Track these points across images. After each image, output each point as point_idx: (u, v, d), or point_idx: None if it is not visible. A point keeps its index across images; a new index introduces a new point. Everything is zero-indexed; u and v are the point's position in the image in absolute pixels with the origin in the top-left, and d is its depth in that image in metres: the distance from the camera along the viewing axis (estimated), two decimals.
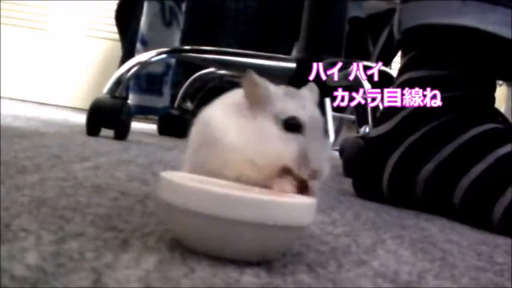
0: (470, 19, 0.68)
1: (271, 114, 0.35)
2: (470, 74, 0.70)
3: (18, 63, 2.87)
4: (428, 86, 0.70)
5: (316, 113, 0.36)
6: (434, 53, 0.71)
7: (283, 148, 0.34)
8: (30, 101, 2.69)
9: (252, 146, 0.34)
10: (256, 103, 0.35)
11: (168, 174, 0.32)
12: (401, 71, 0.75)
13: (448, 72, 0.70)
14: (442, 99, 0.69)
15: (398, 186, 0.70)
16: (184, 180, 0.31)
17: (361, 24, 1.94)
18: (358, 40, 1.93)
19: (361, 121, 1.11)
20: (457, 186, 0.64)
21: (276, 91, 0.36)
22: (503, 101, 2.42)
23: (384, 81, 1.00)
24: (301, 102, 0.36)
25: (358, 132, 1.12)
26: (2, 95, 2.35)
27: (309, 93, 0.38)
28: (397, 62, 2.08)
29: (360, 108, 1.13)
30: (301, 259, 0.34)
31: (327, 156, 0.35)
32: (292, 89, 0.37)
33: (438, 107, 0.69)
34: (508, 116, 0.74)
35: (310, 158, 0.33)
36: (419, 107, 0.70)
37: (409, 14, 0.74)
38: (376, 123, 0.76)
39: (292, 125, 0.34)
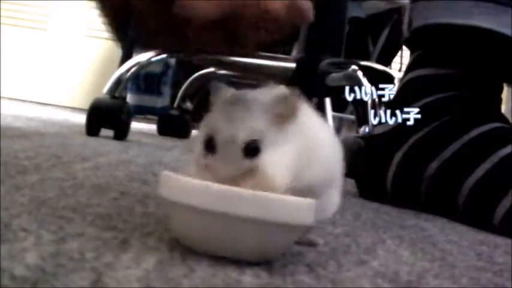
0: (483, 20, 0.68)
1: (203, 131, 0.33)
2: (478, 74, 0.70)
3: (18, 63, 2.87)
4: (434, 85, 0.70)
5: (235, 129, 0.31)
6: (443, 52, 0.71)
7: (192, 175, 0.31)
8: (30, 101, 2.69)
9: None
10: (208, 116, 0.33)
11: (168, 172, 0.32)
12: (408, 69, 0.75)
13: (455, 71, 0.70)
14: (448, 98, 0.69)
15: (402, 184, 0.70)
16: (184, 177, 0.31)
17: (361, 24, 1.94)
18: (358, 40, 1.93)
19: (361, 121, 1.11)
20: (462, 186, 0.64)
21: (223, 99, 0.33)
22: (504, 101, 2.42)
23: (384, 81, 1.00)
24: (232, 115, 0.32)
25: (358, 132, 1.12)
26: (2, 95, 2.35)
27: (267, 99, 0.33)
28: (397, 62, 2.08)
29: (360, 108, 1.13)
30: (301, 259, 0.34)
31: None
32: (248, 94, 0.34)
33: (443, 105, 0.69)
34: (508, 116, 0.74)
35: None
36: (424, 105, 0.70)
37: (419, 14, 0.74)
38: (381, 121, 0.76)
39: (209, 144, 0.32)
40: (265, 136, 0.32)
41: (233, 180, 0.31)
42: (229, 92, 0.34)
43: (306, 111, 0.35)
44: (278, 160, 0.32)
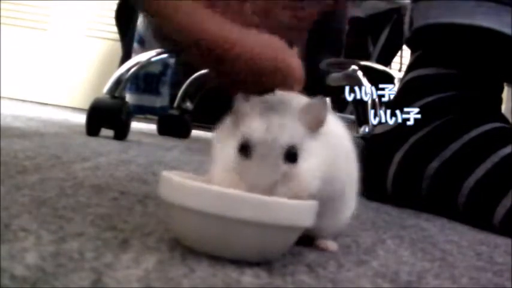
0: (484, 20, 0.68)
1: (238, 135, 0.32)
2: (479, 73, 0.70)
3: (18, 63, 2.87)
4: (435, 85, 0.70)
5: (275, 133, 0.32)
6: (444, 52, 0.71)
7: (221, 180, 0.31)
8: (30, 101, 2.69)
9: (211, 171, 0.33)
10: (234, 122, 0.33)
11: (169, 173, 0.32)
12: (409, 69, 0.75)
13: (456, 71, 0.70)
14: (448, 98, 0.69)
15: (402, 184, 0.70)
16: (185, 179, 0.31)
17: (361, 24, 1.94)
18: (358, 40, 1.93)
19: (361, 121, 1.11)
20: (462, 186, 0.64)
21: (255, 107, 0.33)
22: (504, 101, 2.42)
23: (384, 81, 1.00)
24: (270, 120, 0.32)
25: (357, 132, 1.12)
26: (2, 95, 2.35)
27: (297, 106, 0.34)
28: (397, 62, 2.08)
29: (360, 108, 1.13)
30: (301, 259, 0.34)
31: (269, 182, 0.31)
32: (278, 101, 0.34)
33: (444, 105, 0.69)
34: (508, 116, 0.74)
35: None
36: (424, 105, 0.70)
37: (420, 13, 0.74)
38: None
39: (244, 149, 0.32)
40: (302, 143, 0.32)
41: (267, 188, 0.31)
42: (256, 98, 0.34)
43: (331, 119, 0.35)
44: (314, 167, 0.32)
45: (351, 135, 0.39)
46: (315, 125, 0.33)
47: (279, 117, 0.32)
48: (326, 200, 0.33)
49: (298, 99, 0.35)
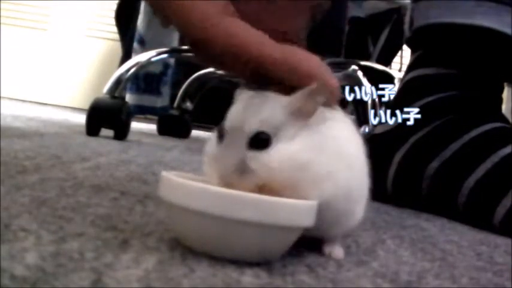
0: (485, 20, 0.68)
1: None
2: (479, 73, 0.70)
3: (18, 63, 2.87)
4: (435, 84, 0.70)
5: (243, 120, 0.31)
6: (444, 51, 0.71)
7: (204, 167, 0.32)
8: (30, 101, 2.69)
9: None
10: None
11: (169, 174, 0.32)
12: (409, 69, 0.75)
13: (456, 71, 0.70)
14: (449, 98, 0.69)
15: (403, 184, 0.70)
16: (185, 179, 0.31)
17: (361, 24, 1.94)
18: (358, 40, 1.93)
19: (361, 121, 1.11)
20: (462, 186, 0.64)
21: (244, 95, 0.33)
22: (504, 101, 2.42)
23: (384, 81, 1.00)
24: (247, 106, 0.32)
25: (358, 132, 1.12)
26: (2, 95, 2.35)
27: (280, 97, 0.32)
28: (397, 62, 2.08)
29: (360, 108, 1.13)
30: (301, 259, 0.34)
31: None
32: (267, 91, 0.33)
33: (444, 105, 0.69)
34: (508, 116, 0.74)
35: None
36: (424, 105, 0.70)
37: (420, 13, 0.74)
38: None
39: (220, 135, 0.32)
40: (279, 130, 0.31)
41: (232, 174, 0.31)
42: (251, 91, 0.34)
43: (337, 117, 0.34)
44: (287, 152, 0.31)
45: (361, 142, 0.38)
46: (306, 113, 0.32)
47: (257, 105, 0.32)
48: (328, 200, 0.33)
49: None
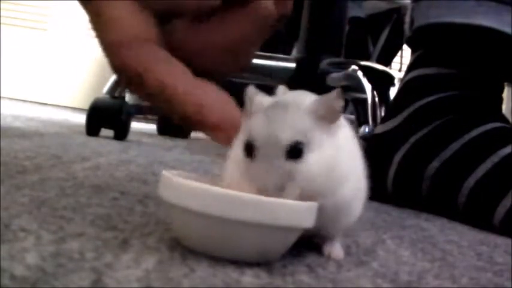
0: (485, 19, 0.68)
1: (244, 135, 0.32)
2: (479, 73, 0.70)
3: (18, 63, 2.87)
4: (435, 84, 0.70)
5: (276, 131, 0.30)
6: (445, 51, 0.71)
7: (231, 184, 0.31)
8: (30, 101, 2.69)
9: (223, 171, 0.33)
10: (245, 118, 0.33)
11: (169, 173, 0.32)
12: (409, 69, 0.75)
13: (456, 71, 0.70)
14: (449, 97, 0.69)
15: (403, 184, 0.70)
16: (184, 179, 0.31)
17: (361, 24, 1.94)
18: (358, 40, 1.93)
19: (361, 121, 1.11)
20: (463, 186, 0.64)
21: (261, 104, 0.32)
22: (504, 101, 2.42)
23: (384, 81, 1.00)
24: (273, 117, 0.31)
25: (358, 132, 1.12)
26: (2, 95, 2.35)
27: (309, 101, 0.32)
28: (397, 62, 2.08)
29: (360, 108, 1.13)
30: (301, 259, 0.34)
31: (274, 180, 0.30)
32: (288, 98, 0.33)
33: (444, 105, 0.69)
34: (508, 116, 0.74)
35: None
36: (424, 105, 0.70)
37: (421, 13, 0.74)
38: (382, 120, 0.76)
39: (248, 149, 0.31)
40: (310, 137, 0.31)
41: (274, 190, 0.30)
42: (266, 97, 0.33)
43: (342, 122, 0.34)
44: (321, 160, 0.31)
45: (357, 139, 0.38)
46: (330, 117, 0.32)
47: (282, 113, 0.31)
48: (332, 198, 0.33)
49: (311, 96, 0.33)
